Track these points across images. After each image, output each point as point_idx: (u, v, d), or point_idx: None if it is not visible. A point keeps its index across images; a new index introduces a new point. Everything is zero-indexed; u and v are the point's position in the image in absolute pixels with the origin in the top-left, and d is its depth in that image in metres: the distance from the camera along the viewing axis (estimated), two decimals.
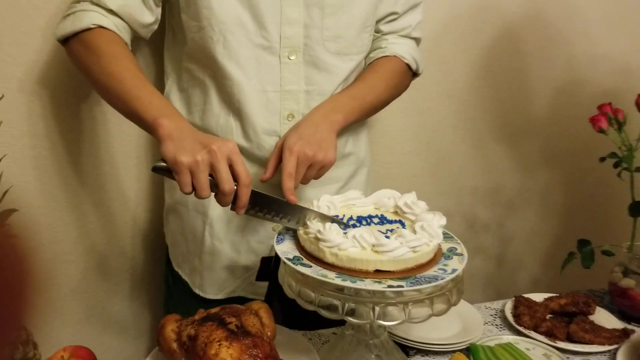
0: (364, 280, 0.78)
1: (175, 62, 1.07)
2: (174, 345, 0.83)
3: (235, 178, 0.83)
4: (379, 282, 0.78)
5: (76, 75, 1.10)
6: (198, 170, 0.81)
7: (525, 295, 1.17)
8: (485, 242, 1.67)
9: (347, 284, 0.77)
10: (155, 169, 0.85)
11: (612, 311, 1.16)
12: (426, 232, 0.84)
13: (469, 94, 1.51)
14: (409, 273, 0.81)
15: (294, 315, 1.08)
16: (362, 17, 1.02)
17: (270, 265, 1.09)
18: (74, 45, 0.94)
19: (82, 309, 1.32)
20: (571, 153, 1.62)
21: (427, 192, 1.53)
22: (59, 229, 1.23)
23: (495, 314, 1.15)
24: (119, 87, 0.89)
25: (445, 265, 0.84)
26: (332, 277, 0.79)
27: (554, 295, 1.17)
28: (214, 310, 0.88)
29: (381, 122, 1.44)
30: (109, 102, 0.94)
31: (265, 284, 1.12)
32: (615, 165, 1.12)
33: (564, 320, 1.10)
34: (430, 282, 0.79)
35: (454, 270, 0.82)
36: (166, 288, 1.24)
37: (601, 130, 1.10)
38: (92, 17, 0.92)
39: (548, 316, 1.12)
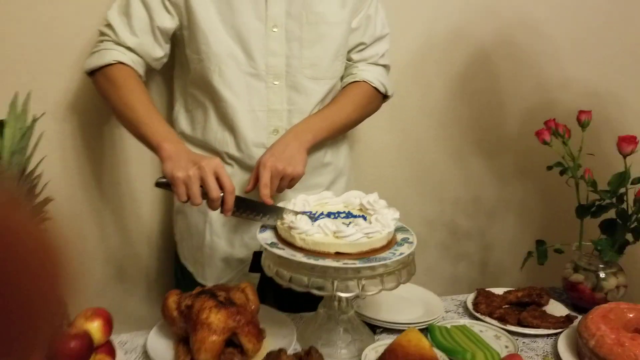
0: (325, 259, 0.96)
1: (182, 88, 1.29)
2: (175, 313, 1.02)
3: (221, 187, 1.03)
4: (338, 261, 0.96)
5: (100, 102, 1.32)
6: (191, 183, 1.02)
7: (487, 289, 1.32)
8: (468, 249, 1.83)
9: (311, 261, 0.96)
10: (157, 184, 1.07)
11: (566, 304, 1.30)
12: (379, 223, 1.01)
13: (447, 112, 1.68)
14: (364, 255, 0.98)
15: (283, 304, 1.26)
16: (334, 48, 1.22)
17: (261, 258, 1.28)
18: (98, 78, 1.17)
19: (102, 304, 1.51)
20: (542, 165, 1.77)
21: (411, 203, 1.70)
22: (81, 239, 1.44)
23: (459, 304, 1.31)
24: (132, 114, 1.11)
25: (396, 250, 1.01)
26: (300, 257, 0.97)
27: (513, 289, 1.32)
28: (208, 287, 1.07)
29: (367, 139, 1.62)
30: (123, 126, 1.17)
31: (258, 275, 1.30)
32: (561, 173, 1.28)
33: (518, 309, 1.25)
34: (379, 262, 0.96)
35: (401, 254, 0.99)
36: (176, 280, 1.43)
37: (545, 142, 1.26)
38: (113, 54, 1.15)
39: (504, 306, 1.27)
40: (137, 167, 1.44)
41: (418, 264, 1.74)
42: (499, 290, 1.32)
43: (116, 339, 1.05)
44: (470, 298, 1.29)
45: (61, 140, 1.36)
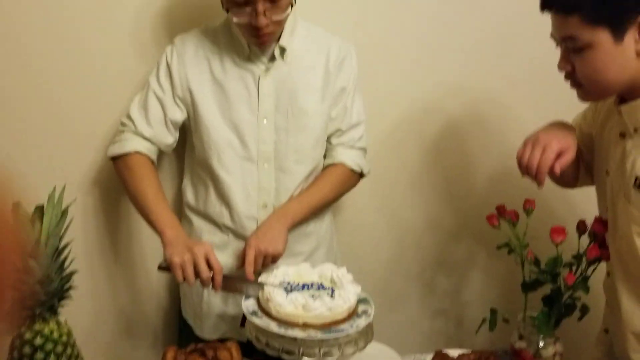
0: (294, 329, 1.17)
1: (190, 166, 1.53)
2: None
3: (211, 268, 1.26)
4: (304, 331, 1.17)
5: (117, 180, 1.53)
6: (185, 267, 1.25)
7: (444, 351, 1.51)
8: (445, 306, 2.02)
9: (282, 331, 1.17)
10: (159, 268, 1.31)
11: None
12: (342, 298, 1.22)
13: (422, 181, 1.87)
14: (327, 326, 1.19)
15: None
16: (315, 135, 1.45)
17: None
18: (118, 163, 1.42)
19: (111, 356, 1.74)
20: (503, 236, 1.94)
21: (391, 262, 1.90)
22: (96, 297, 1.68)
23: None
24: (142, 200, 1.35)
25: (354, 322, 1.22)
26: (273, 327, 1.18)
27: (467, 352, 1.51)
28: (200, 345, 1.28)
29: (350, 207, 1.82)
30: (135, 208, 1.41)
31: None
32: (509, 252, 1.48)
33: None
34: (339, 333, 1.17)
35: (358, 326, 1.20)
36: (179, 332, 1.66)
37: (494, 226, 1.47)
38: (132, 145, 1.39)
39: None
40: (147, 234, 1.64)
41: (399, 318, 1.95)
42: (454, 353, 1.51)
43: None
44: (428, 358, 1.49)
45: (84, 212, 1.61)
